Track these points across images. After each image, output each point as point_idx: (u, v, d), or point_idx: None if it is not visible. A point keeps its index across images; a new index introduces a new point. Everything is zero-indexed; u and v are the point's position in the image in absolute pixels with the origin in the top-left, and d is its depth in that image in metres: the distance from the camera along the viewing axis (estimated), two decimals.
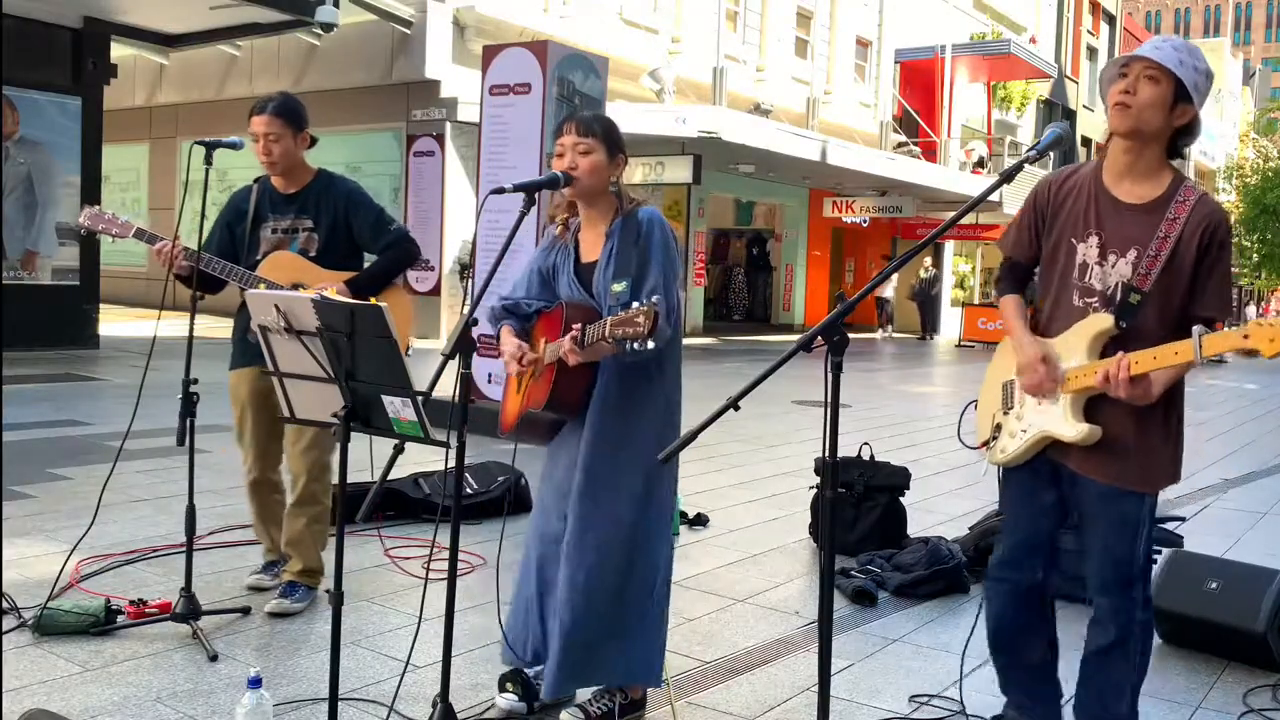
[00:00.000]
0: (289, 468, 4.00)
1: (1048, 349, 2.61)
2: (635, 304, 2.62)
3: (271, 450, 4.03)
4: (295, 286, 3.74)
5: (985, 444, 2.82)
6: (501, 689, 3.11)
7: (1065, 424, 2.58)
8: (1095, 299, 2.58)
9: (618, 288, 2.88)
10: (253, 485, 4.06)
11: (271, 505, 4.10)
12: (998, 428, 2.78)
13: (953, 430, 3.24)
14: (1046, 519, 2.76)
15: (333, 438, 3.89)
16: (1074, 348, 2.58)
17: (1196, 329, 2.32)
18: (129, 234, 3.84)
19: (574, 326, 2.78)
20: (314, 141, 4.00)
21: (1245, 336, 2.25)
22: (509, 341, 3.00)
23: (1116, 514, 2.61)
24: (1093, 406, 2.58)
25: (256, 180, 4.02)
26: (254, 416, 3.97)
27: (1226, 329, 2.35)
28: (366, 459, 3.19)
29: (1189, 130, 2.52)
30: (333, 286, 3.74)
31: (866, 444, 5.34)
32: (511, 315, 3.09)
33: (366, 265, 4.00)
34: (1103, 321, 2.53)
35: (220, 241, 3.95)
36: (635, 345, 2.58)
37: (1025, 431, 2.68)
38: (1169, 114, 2.47)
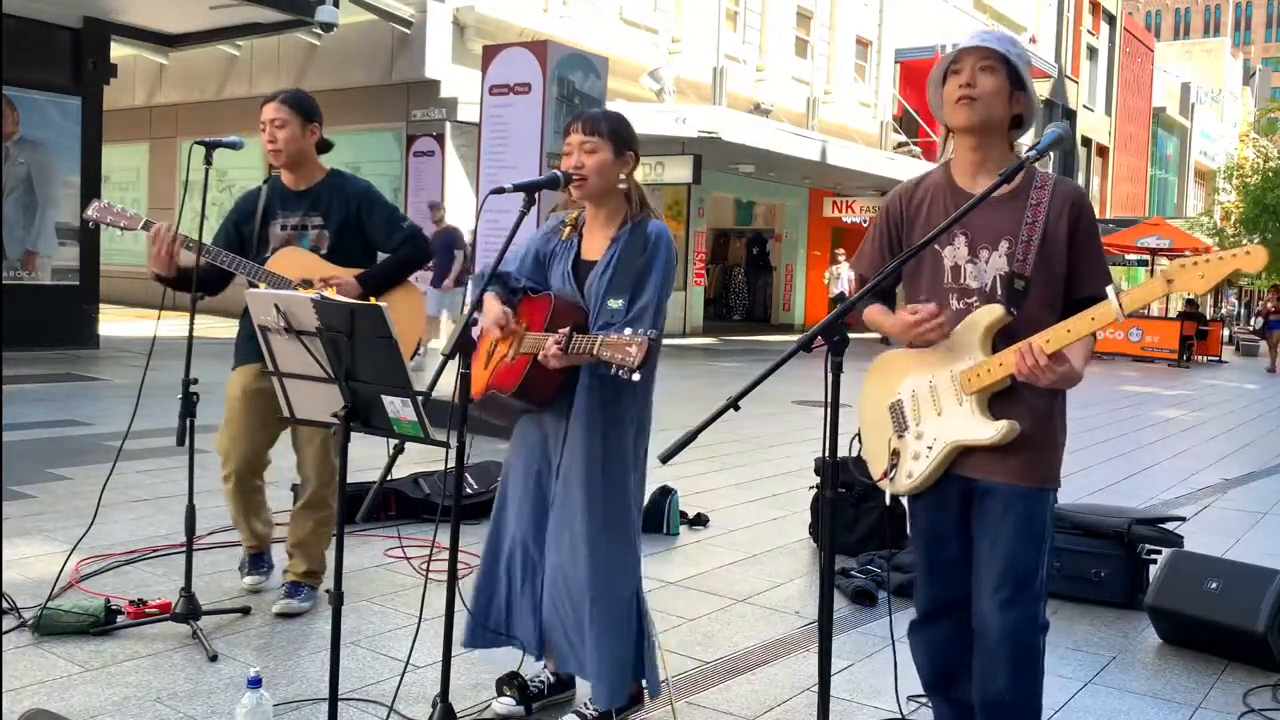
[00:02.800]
0: (301, 471, 3.96)
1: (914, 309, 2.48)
2: (629, 330, 2.60)
3: (258, 459, 3.93)
4: (304, 282, 3.73)
5: (885, 474, 2.59)
6: (499, 693, 3.11)
7: (979, 426, 2.43)
8: (974, 298, 2.48)
9: (614, 304, 2.86)
10: (228, 481, 3.91)
11: (254, 500, 4.00)
12: (895, 454, 2.58)
13: None
14: (962, 546, 2.57)
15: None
16: (965, 346, 2.45)
17: (1110, 288, 2.25)
18: (137, 226, 3.79)
19: (560, 330, 2.75)
20: (328, 146, 3.97)
21: (1169, 281, 2.16)
22: (495, 306, 2.95)
23: (1022, 515, 2.44)
24: (995, 405, 2.44)
25: (266, 181, 3.99)
26: (245, 415, 3.88)
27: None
28: (370, 457, 3.19)
29: (1021, 120, 2.52)
30: (346, 278, 3.72)
31: None
32: (499, 283, 3.05)
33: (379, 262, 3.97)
34: (992, 312, 2.42)
35: (227, 241, 3.89)
36: (621, 373, 2.57)
37: (932, 448, 2.50)
38: (1009, 102, 2.47)
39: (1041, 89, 32.63)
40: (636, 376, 2.56)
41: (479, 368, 3.06)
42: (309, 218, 3.89)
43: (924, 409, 2.53)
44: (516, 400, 2.94)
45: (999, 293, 2.46)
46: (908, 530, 5.00)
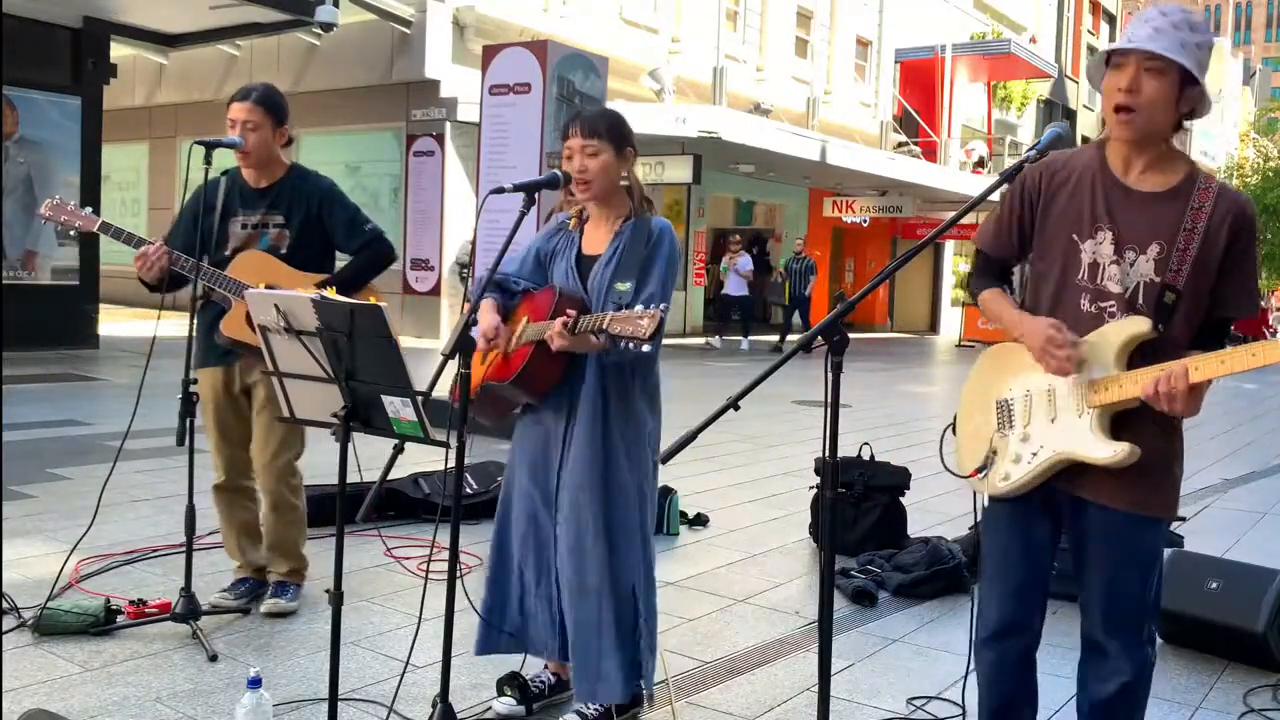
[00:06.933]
0: (258, 480, 3.91)
1: (1057, 323, 2.27)
2: (639, 306, 2.61)
3: (240, 456, 3.89)
4: (267, 288, 3.68)
5: (977, 472, 2.45)
6: (499, 693, 3.11)
7: (1096, 444, 2.25)
8: (1112, 302, 2.26)
9: (622, 287, 2.87)
10: (218, 490, 3.92)
11: (240, 513, 3.96)
12: (993, 452, 2.42)
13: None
14: (1042, 561, 2.45)
15: (301, 441, 3.87)
16: (1098, 355, 2.25)
17: None
18: (93, 228, 3.69)
19: (567, 312, 2.76)
20: (290, 140, 3.90)
21: None
22: (488, 317, 2.96)
23: (1134, 546, 2.32)
24: (1117, 424, 2.27)
25: (225, 173, 3.88)
26: (217, 417, 3.86)
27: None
28: (367, 458, 3.19)
29: (1193, 111, 2.26)
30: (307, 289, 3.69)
31: (866, 444, 5.34)
32: (498, 290, 3.06)
33: (340, 266, 3.89)
34: (1138, 325, 2.22)
35: (186, 234, 3.77)
36: (632, 346, 2.57)
37: (1037, 455, 2.33)
38: (1176, 105, 2.21)
39: (1041, 89, 32.63)
40: (647, 348, 2.55)
41: (475, 365, 3.05)
42: (270, 215, 3.80)
43: (1036, 412, 2.35)
44: (513, 389, 2.93)
45: (1140, 301, 2.25)
46: (907, 530, 5.04)
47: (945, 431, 2.60)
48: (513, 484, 3.11)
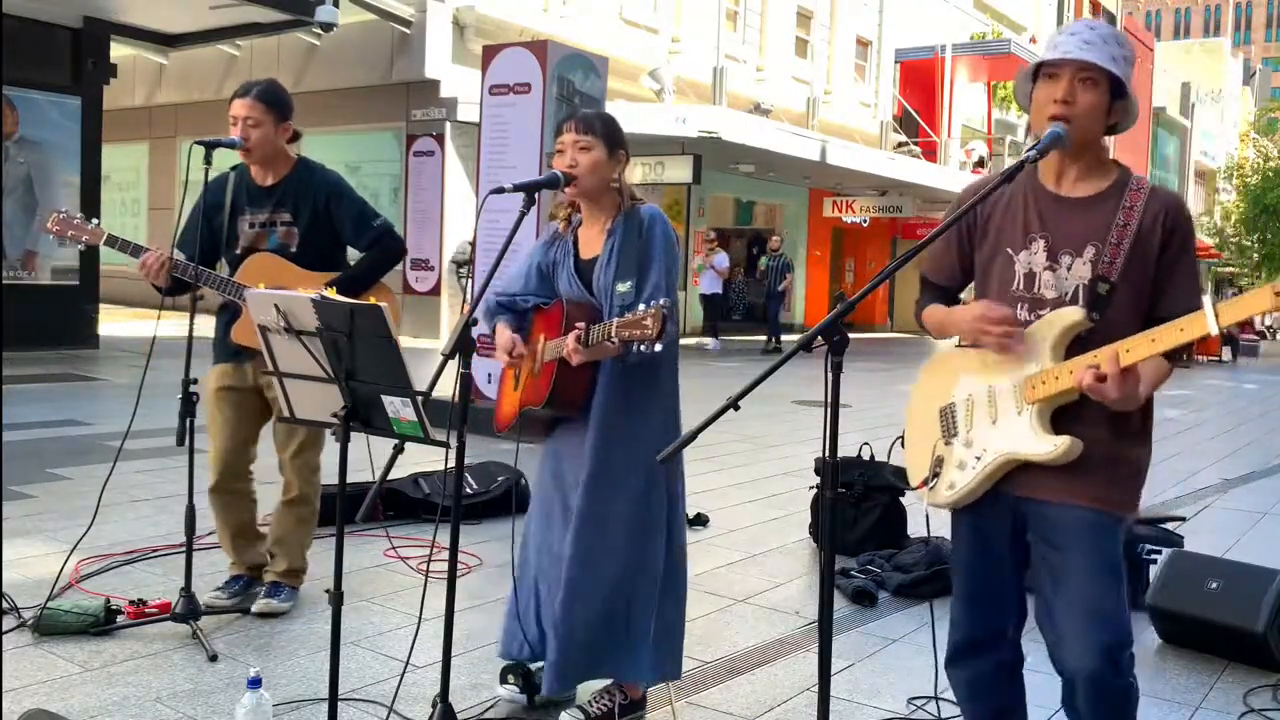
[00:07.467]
0: (282, 474, 3.91)
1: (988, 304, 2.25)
2: (642, 306, 2.61)
3: (238, 457, 3.85)
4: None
5: (925, 482, 2.37)
6: (503, 680, 3.13)
7: (1036, 440, 2.18)
8: (1047, 309, 2.24)
9: (622, 288, 2.88)
10: (213, 492, 3.84)
11: (235, 515, 3.91)
12: (939, 461, 2.35)
13: None
14: (1009, 571, 2.36)
15: (323, 438, 3.87)
16: (1034, 351, 2.22)
17: (1206, 298, 2.03)
18: (99, 241, 3.66)
19: (576, 325, 2.77)
20: (297, 135, 3.86)
21: (1278, 293, 1.84)
22: (503, 334, 3.00)
23: (1097, 548, 2.20)
24: (1059, 419, 2.20)
25: (234, 168, 3.85)
26: (220, 415, 3.81)
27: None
28: (365, 459, 3.19)
29: (1118, 124, 2.30)
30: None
31: (866, 444, 5.34)
32: (507, 312, 3.09)
33: (352, 262, 3.87)
34: (1071, 315, 2.19)
35: (201, 235, 3.73)
36: (643, 347, 2.59)
37: (981, 458, 2.26)
38: (1106, 115, 2.25)
39: None
40: (659, 347, 2.57)
41: (509, 391, 3.08)
42: (277, 213, 3.76)
43: (978, 416, 2.30)
44: (549, 410, 2.95)
45: (1080, 301, 2.23)
46: (907, 530, 5.04)
47: (893, 445, 2.58)
48: (536, 500, 3.12)
